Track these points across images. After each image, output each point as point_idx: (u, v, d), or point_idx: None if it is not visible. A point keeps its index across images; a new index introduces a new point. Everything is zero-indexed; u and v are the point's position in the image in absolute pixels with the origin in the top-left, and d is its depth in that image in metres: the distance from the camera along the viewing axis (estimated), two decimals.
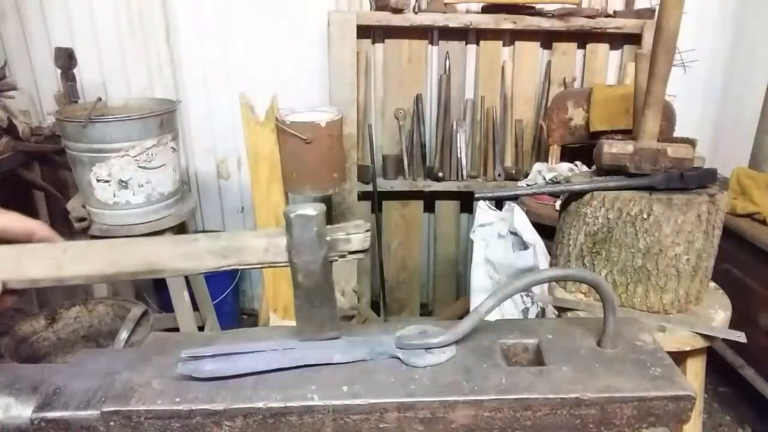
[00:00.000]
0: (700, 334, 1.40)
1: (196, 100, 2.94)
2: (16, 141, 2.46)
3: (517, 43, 2.93)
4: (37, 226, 0.76)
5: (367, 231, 0.71)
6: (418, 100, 2.91)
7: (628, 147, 1.46)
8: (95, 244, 0.72)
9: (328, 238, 0.71)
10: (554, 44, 2.94)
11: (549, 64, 2.98)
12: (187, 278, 2.51)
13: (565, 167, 2.51)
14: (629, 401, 0.72)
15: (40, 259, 0.69)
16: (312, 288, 0.72)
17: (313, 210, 0.69)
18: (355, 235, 0.71)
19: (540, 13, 2.74)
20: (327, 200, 2.85)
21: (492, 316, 0.84)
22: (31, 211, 2.57)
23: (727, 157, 2.85)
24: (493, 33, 2.88)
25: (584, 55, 2.98)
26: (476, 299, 2.13)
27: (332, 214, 2.80)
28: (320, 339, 0.77)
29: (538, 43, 2.94)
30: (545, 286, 1.66)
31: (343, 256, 0.72)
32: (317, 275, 0.71)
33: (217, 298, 2.89)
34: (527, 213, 2.15)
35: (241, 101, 2.20)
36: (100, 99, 2.35)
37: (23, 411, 0.71)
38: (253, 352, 0.77)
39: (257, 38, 2.87)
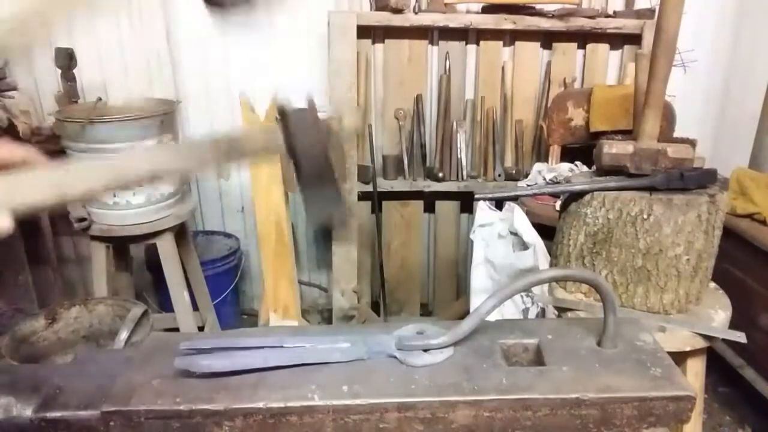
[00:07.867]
0: (700, 334, 1.40)
1: (196, 100, 2.94)
2: (16, 141, 2.46)
3: (517, 43, 2.93)
4: (28, 153, 0.73)
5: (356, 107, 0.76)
6: (418, 100, 2.91)
7: (628, 147, 1.46)
8: (95, 164, 0.73)
9: (322, 120, 0.72)
10: (554, 44, 2.94)
11: (549, 64, 2.97)
12: (187, 278, 2.50)
13: (565, 167, 2.50)
14: (629, 401, 0.72)
15: (42, 184, 0.68)
16: (315, 173, 0.72)
17: (304, 102, 0.71)
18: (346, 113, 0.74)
19: (540, 13, 2.73)
20: None
21: (492, 317, 0.84)
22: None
23: (727, 157, 2.85)
24: (493, 33, 2.88)
25: (584, 55, 2.98)
26: (476, 299, 2.13)
27: None
28: (328, 226, 0.77)
29: (538, 43, 2.94)
30: (545, 286, 1.66)
31: (339, 138, 0.74)
32: (318, 158, 0.71)
33: (217, 298, 2.88)
34: (527, 213, 2.15)
35: (241, 101, 2.20)
36: (100, 99, 2.35)
37: (23, 411, 0.70)
38: (251, 348, 0.77)
39: (257, 38, 2.87)
